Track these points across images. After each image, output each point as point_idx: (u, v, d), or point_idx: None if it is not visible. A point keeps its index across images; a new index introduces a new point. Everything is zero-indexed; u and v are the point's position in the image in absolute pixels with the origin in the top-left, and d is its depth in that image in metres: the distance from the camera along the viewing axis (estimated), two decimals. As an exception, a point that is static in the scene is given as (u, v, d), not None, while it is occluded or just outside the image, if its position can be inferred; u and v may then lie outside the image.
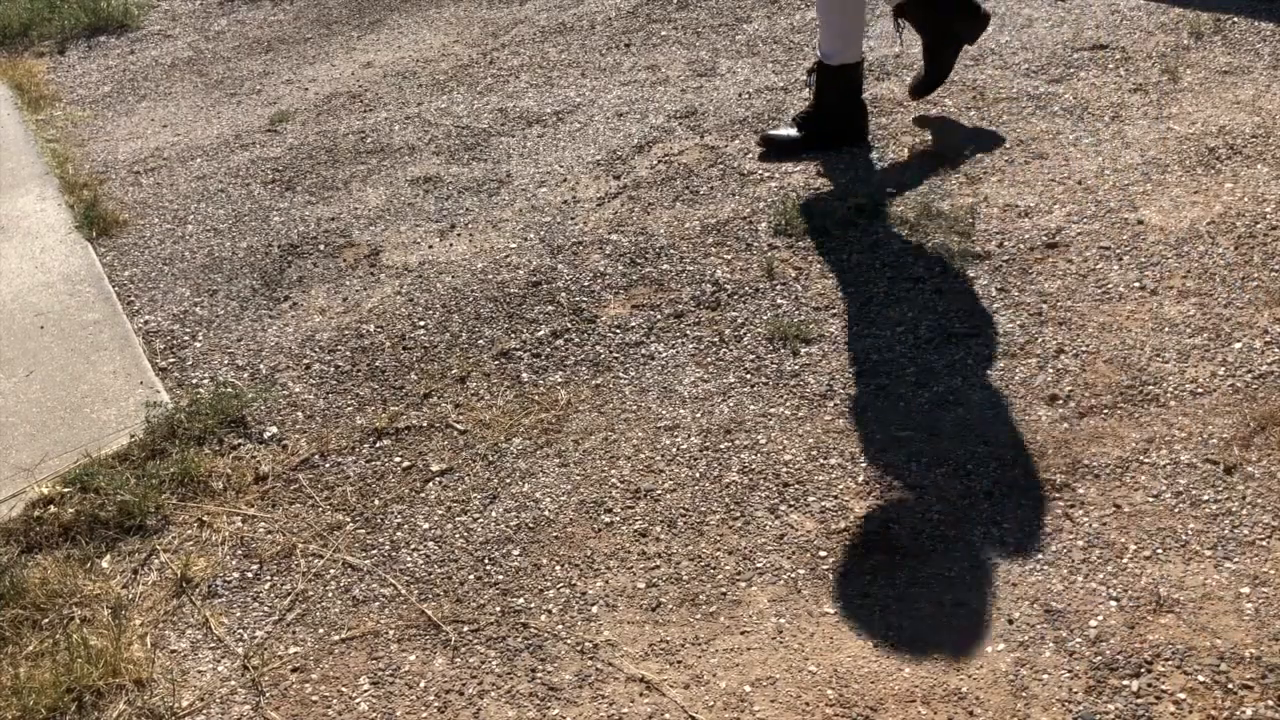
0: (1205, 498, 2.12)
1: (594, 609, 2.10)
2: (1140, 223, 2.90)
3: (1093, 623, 1.92)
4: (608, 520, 2.29)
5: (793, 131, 3.47)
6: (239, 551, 2.35)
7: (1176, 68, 3.57)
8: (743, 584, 2.10)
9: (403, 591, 2.20)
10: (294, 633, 2.15)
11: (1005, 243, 2.90)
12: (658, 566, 2.16)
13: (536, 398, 2.64)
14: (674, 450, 2.43)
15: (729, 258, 3.02)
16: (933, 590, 2.03)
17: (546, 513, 2.33)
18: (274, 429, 2.67)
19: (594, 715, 1.90)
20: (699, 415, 2.51)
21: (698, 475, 2.35)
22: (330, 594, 2.22)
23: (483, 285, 3.08)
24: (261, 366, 2.90)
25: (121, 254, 3.53)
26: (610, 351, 2.75)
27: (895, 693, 1.86)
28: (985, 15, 3.45)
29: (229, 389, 2.79)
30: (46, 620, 2.22)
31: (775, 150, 3.47)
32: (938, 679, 1.87)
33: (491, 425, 2.58)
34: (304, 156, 3.99)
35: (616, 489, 2.36)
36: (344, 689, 2.02)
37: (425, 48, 4.84)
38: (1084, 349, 2.52)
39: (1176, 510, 2.11)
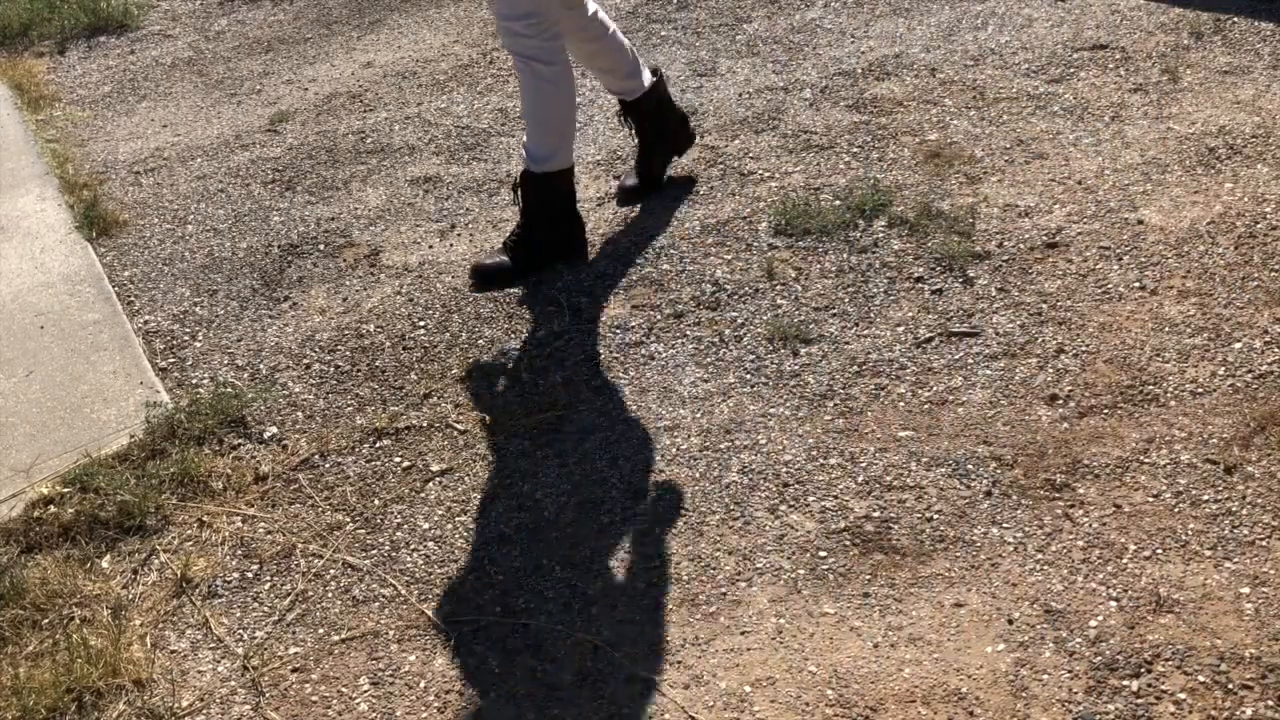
0: (1205, 498, 2.12)
1: (594, 609, 2.10)
2: (1140, 223, 2.90)
3: (1093, 623, 1.92)
4: (608, 520, 2.29)
5: (503, 259, 3.05)
6: (239, 551, 2.35)
7: (1176, 68, 3.57)
8: (743, 584, 2.10)
9: (403, 591, 2.20)
10: (294, 633, 2.15)
11: (1005, 243, 2.90)
12: (658, 566, 2.16)
13: (536, 398, 2.64)
14: (674, 450, 2.43)
15: (729, 258, 3.02)
16: (933, 590, 2.03)
17: (546, 513, 2.33)
18: (274, 429, 2.67)
19: (594, 715, 1.90)
20: (699, 415, 2.51)
21: (698, 475, 2.35)
22: (330, 594, 2.22)
23: (483, 285, 3.07)
24: (261, 366, 2.90)
25: (121, 254, 3.53)
26: (610, 351, 2.75)
27: (895, 693, 1.86)
28: (693, 133, 3.40)
29: (229, 389, 2.79)
30: (46, 620, 2.22)
31: (487, 281, 3.04)
32: (938, 679, 1.87)
33: (491, 425, 2.58)
34: (304, 156, 3.99)
35: (616, 489, 2.36)
36: (344, 689, 2.02)
37: (425, 48, 4.84)
38: (1084, 349, 2.52)
39: (1176, 510, 2.11)
